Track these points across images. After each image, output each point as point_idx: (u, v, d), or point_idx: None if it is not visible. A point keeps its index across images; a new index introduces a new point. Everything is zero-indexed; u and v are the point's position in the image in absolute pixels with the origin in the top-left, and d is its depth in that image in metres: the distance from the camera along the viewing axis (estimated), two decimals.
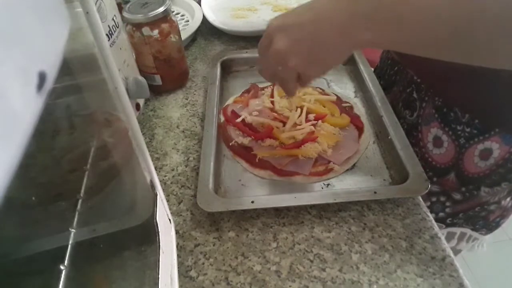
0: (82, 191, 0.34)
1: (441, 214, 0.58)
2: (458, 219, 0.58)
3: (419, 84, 0.55)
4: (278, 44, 0.36)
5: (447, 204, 0.56)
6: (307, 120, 0.52)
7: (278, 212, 0.44)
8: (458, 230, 0.60)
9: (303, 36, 0.36)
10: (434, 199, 0.57)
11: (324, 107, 0.54)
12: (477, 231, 0.60)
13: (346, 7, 0.34)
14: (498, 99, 0.47)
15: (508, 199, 0.55)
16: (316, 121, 0.51)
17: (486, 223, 0.58)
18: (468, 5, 0.29)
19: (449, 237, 0.61)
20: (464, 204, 0.55)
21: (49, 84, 0.13)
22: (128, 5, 0.56)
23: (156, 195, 0.35)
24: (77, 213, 0.33)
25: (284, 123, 0.52)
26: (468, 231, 0.60)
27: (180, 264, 0.40)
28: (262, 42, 0.40)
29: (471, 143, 0.50)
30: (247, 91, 0.60)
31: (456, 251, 0.63)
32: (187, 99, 0.62)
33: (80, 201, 0.34)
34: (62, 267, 0.30)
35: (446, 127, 0.52)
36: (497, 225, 0.59)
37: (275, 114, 0.53)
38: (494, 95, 0.47)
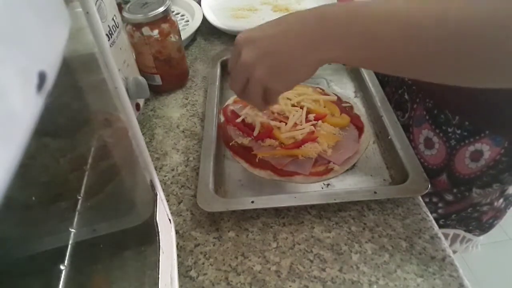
0: (82, 191, 0.34)
1: (433, 215, 0.57)
2: (450, 221, 0.58)
3: (411, 85, 0.55)
4: (246, 56, 0.36)
5: (440, 205, 0.56)
6: (307, 120, 0.52)
7: (278, 212, 0.44)
8: (451, 232, 0.59)
9: (270, 48, 0.36)
10: (426, 199, 0.57)
11: (324, 107, 0.54)
12: (471, 232, 0.59)
13: (314, 28, 0.34)
14: (488, 101, 0.47)
15: (501, 200, 0.55)
16: (316, 121, 0.51)
17: (479, 224, 0.58)
18: (444, 29, 0.29)
19: None
20: (456, 205, 0.55)
21: (49, 84, 0.13)
22: (128, 5, 0.56)
23: (156, 195, 0.35)
24: (77, 213, 0.33)
25: (285, 123, 0.52)
26: (461, 233, 0.59)
27: (180, 264, 0.40)
28: (231, 56, 0.40)
29: (462, 145, 0.50)
30: None
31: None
32: (187, 99, 0.62)
33: (80, 201, 0.34)
34: (62, 267, 0.30)
35: (437, 129, 0.52)
36: (490, 226, 0.59)
37: (275, 114, 0.53)
38: (484, 98, 0.47)
